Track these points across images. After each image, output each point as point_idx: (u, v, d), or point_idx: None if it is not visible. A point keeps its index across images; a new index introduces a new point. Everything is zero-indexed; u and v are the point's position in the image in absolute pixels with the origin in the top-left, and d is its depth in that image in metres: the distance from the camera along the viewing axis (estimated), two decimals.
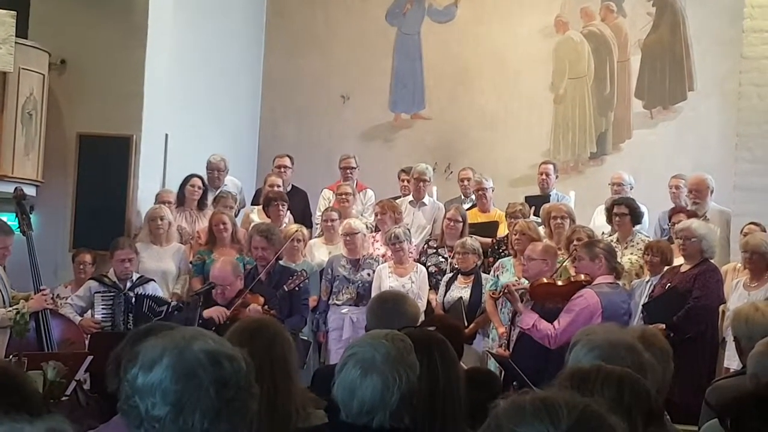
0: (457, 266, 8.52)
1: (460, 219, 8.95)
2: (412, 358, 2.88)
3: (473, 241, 8.50)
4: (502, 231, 9.19)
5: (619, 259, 8.09)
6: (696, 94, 11.60)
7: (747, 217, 8.44)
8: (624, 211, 8.38)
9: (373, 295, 8.20)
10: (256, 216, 9.53)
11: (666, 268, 7.64)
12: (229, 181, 10.28)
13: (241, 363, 2.20)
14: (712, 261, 7.46)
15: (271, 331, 3.59)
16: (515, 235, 8.20)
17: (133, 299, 7.77)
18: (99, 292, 7.84)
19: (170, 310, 7.64)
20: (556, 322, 6.55)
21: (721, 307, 7.32)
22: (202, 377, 2.13)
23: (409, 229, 9.02)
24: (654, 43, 11.83)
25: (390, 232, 8.69)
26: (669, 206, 9.40)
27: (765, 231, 7.76)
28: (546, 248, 7.33)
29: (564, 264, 7.55)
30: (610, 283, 6.74)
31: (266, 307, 7.40)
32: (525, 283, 7.43)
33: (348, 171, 10.33)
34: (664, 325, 7.02)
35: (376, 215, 9.33)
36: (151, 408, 2.11)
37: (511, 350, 7.14)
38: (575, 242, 7.79)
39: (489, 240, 9.02)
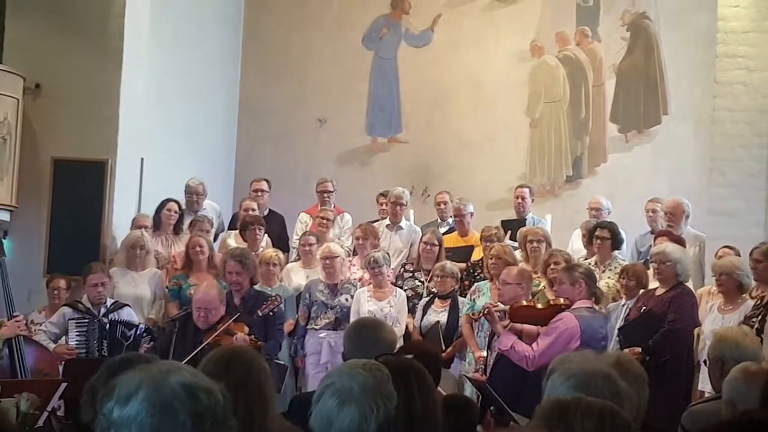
0: (434, 290, 8.52)
1: (436, 242, 8.95)
2: (390, 388, 2.87)
3: (452, 266, 8.51)
4: (477, 255, 9.20)
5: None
6: (671, 118, 11.70)
7: (721, 241, 8.49)
8: (606, 235, 8.43)
9: (352, 319, 8.22)
10: (233, 241, 9.51)
11: (641, 291, 7.67)
12: (207, 205, 10.26)
13: (218, 396, 2.19)
14: (687, 284, 7.49)
15: (246, 360, 3.56)
16: (491, 259, 8.21)
17: (107, 325, 7.71)
18: (73, 319, 7.77)
19: (138, 332, 7.58)
20: (534, 344, 6.55)
21: (696, 331, 7.35)
22: (179, 410, 2.12)
23: (388, 253, 9.01)
24: (628, 68, 11.92)
25: (369, 257, 8.67)
26: (645, 230, 9.46)
27: (739, 255, 7.80)
28: (521, 272, 7.35)
29: (541, 288, 7.57)
30: (589, 307, 6.76)
31: (253, 337, 7.33)
32: (500, 307, 7.45)
33: (325, 195, 10.32)
34: (639, 349, 7.05)
35: (357, 239, 9.29)
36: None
37: (488, 374, 7.13)
38: (552, 266, 7.81)
39: (464, 264, 9.02)
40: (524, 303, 7.03)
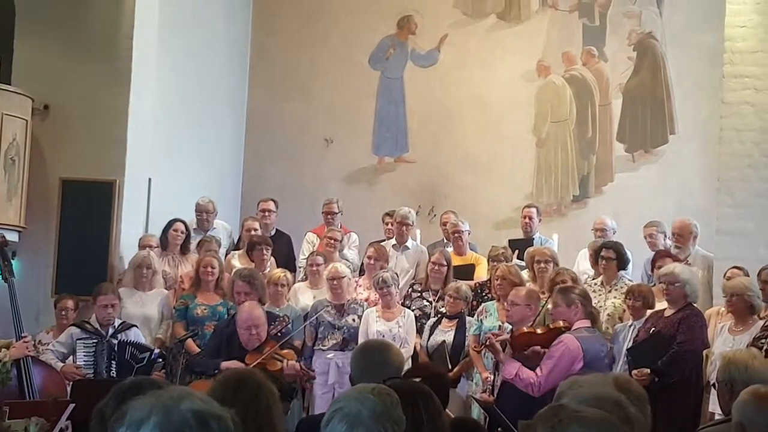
0: (443, 310, 8.51)
1: (445, 263, 8.93)
2: (399, 413, 2.87)
3: (467, 289, 8.48)
4: (480, 274, 9.20)
5: (603, 303, 8.13)
6: (677, 138, 11.69)
7: (729, 261, 8.47)
8: (611, 255, 8.39)
9: (360, 339, 8.21)
10: (237, 261, 9.51)
11: (650, 312, 7.64)
12: (218, 224, 10.29)
13: (229, 423, 2.19)
14: (695, 305, 7.46)
15: (255, 383, 3.57)
16: (497, 280, 8.20)
17: (116, 346, 7.71)
18: (81, 339, 7.78)
19: (152, 357, 7.58)
20: (538, 370, 6.55)
21: (705, 352, 7.32)
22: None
23: (397, 273, 8.99)
24: (635, 87, 11.93)
25: (378, 277, 8.66)
26: (650, 253, 9.40)
27: (748, 275, 7.78)
28: (529, 293, 7.36)
29: (546, 307, 7.55)
30: (588, 327, 6.76)
31: (303, 364, 7.31)
32: (507, 327, 7.44)
33: (330, 216, 10.33)
34: (648, 370, 7.02)
35: (368, 258, 9.25)
36: None
37: (495, 396, 7.12)
38: (560, 284, 7.80)
39: (471, 283, 9.01)
40: (524, 330, 7.04)
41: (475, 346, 7.76)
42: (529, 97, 12.27)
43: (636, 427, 2.87)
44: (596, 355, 6.53)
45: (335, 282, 8.66)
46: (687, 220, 9.06)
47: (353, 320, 8.63)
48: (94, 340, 7.75)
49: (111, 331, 7.84)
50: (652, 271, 8.48)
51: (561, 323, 6.83)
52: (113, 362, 7.64)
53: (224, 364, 7.10)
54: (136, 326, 8.13)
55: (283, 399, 7.30)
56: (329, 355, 8.55)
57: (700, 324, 7.33)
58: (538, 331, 7.01)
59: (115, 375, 7.43)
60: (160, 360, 7.64)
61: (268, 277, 8.71)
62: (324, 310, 8.65)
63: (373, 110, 12.78)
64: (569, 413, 2.27)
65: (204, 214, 10.05)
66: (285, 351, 7.32)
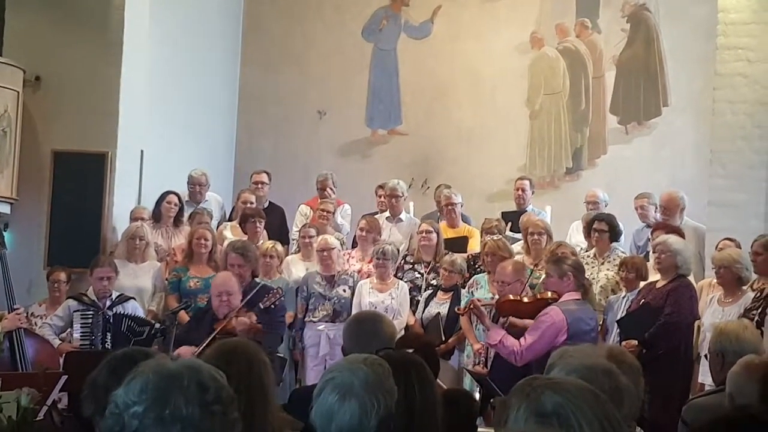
0: (433, 282, 8.53)
1: (433, 230, 8.90)
2: (390, 383, 2.88)
3: (462, 262, 8.49)
4: (473, 246, 9.19)
5: (596, 275, 8.15)
6: (671, 110, 11.68)
7: (721, 233, 8.49)
8: (603, 228, 8.41)
9: (353, 311, 8.23)
10: (230, 233, 9.50)
11: (643, 283, 7.66)
12: (210, 197, 10.28)
13: (222, 380, 2.21)
14: (687, 278, 7.47)
15: (248, 354, 3.57)
16: (486, 256, 8.16)
17: (111, 318, 7.72)
18: (78, 311, 7.78)
19: (152, 332, 7.59)
20: (522, 339, 6.55)
21: (696, 323, 7.35)
22: (184, 378, 2.14)
23: (398, 249, 8.98)
24: (628, 59, 11.91)
25: (379, 247, 8.68)
26: (640, 224, 9.43)
27: (740, 247, 7.80)
28: (515, 268, 7.30)
29: (542, 280, 7.55)
30: (577, 299, 6.75)
31: (255, 320, 7.29)
32: (489, 298, 7.45)
33: (325, 192, 10.30)
34: (636, 342, 7.05)
35: (360, 230, 9.26)
36: (131, 405, 2.10)
37: (489, 367, 7.14)
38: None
39: (464, 255, 9.01)
40: (510, 297, 7.02)
41: (459, 309, 7.72)
42: (523, 69, 12.24)
43: (626, 397, 2.88)
44: (580, 328, 6.51)
45: (325, 253, 8.67)
46: (674, 192, 9.07)
47: (343, 291, 8.65)
48: (91, 312, 7.76)
49: (108, 303, 7.85)
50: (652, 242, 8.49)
51: (549, 294, 6.82)
52: (108, 334, 7.65)
53: (180, 350, 7.03)
54: (134, 299, 8.13)
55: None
56: (320, 327, 8.57)
57: (689, 295, 7.35)
58: (525, 300, 6.99)
59: (109, 347, 7.44)
60: (160, 335, 7.63)
61: (260, 249, 8.71)
62: (314, 281, 8.66)
63: (367, 82, 12.74)
64: (543, 381, 2.29)
65: (197, 186, 10.04)
66: (247, 313, 7.31)
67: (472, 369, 7.36)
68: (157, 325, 7.77)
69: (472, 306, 7.04)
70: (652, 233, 8.57)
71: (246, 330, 7.07)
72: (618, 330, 7.40)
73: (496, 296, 7.49)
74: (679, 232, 8.23)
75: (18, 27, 9.62)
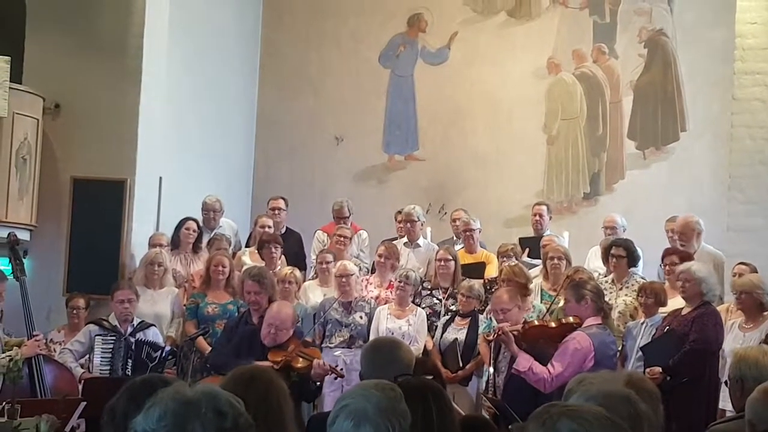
0: (452, 308, 8.51)
1: (450, 257, 8.91)
2: (403, 407, 2.87)
3: (479, 287, 8.47)
4: (491, 272, 9.18)
5: (614, 300, 8.11)
6: (688, 135, 11.68)
7: (740, 258, 8.45)
8: (621, 253, 8.36)
9: (371, 336, 8.21)
10: (248, 258, 9.51)
11: (662, 309, 7.62)
12: (224, 223, 10.28)
13: (241, 409, 2.25)
14: (712, 304, 7.40)
15: (265, 380, 3.58)
16: (503, 282, 8.11)
17: (134, 345, 7.72)
18: (99, 335, 7.76)
19: (163, 354, 7.59)
20: (550, 366, 6.52)
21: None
22: (201, 404, 2.20)
23: (421, 278, 8.97)
24: (646, 84, 11.92)
25: (404, 271, 8.69)
26: (663, 248, 9.38)
27: (756, 271, 7.75)
28: (509, 294, 7.24)
29: (561, 305, 7.52)
30: (599, 324, 6.73)
31: (332, 365, 7.26)
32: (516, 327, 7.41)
33: (341, 221, 10.30)
34: (660, 369, 7.00)
35: (379, 256, 9.25)
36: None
37: (501, 394, 7.08)
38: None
39: (480, 281, 8.99)
40: (536, 322, 7.02)
41: (486, 335, 7.67)
42: (540, 95, 12.27)
43: (646, 424, 2.86)
44: (606, 353, 6.51)
45: (343, 279, 8.67)
46: (690, 218, 8.98)
47: (360, 317, 8.64)
48: (113, 338, 7.75)
49: (129, 329, 7.83)
50: (663, 267, 8.45)
51: (572, 319, 6.81)
52: (129, 361, 7.64)
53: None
54: (154, 325, 8.13)
55: (307, 399, 7.30)
56: (336, 353, 8.55)
57: (715, 323, 7.23)
58: (552, 324, 6.98)
59: (129, 374, 7.43)
60: (171, 357, 7.63)
61: (277, 275, 8.71)
62: (331, 307, 8.66)
63: (384, 108, 12.79)
64: (560, 408, 2.28)
65: (211, 212, 10.05)
66: (309, 349, 7.28)
67: (490, 396, 7.31)
68: (168, 348, 7.77)
69: (500, 332, 7.00)
70: (663, 258, 8.49)
71: (321, 374, 7.05)
72: (639, 356, 7.34)
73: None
74: (690, 257, 8.16)
75: (37, 55, 9.70)
